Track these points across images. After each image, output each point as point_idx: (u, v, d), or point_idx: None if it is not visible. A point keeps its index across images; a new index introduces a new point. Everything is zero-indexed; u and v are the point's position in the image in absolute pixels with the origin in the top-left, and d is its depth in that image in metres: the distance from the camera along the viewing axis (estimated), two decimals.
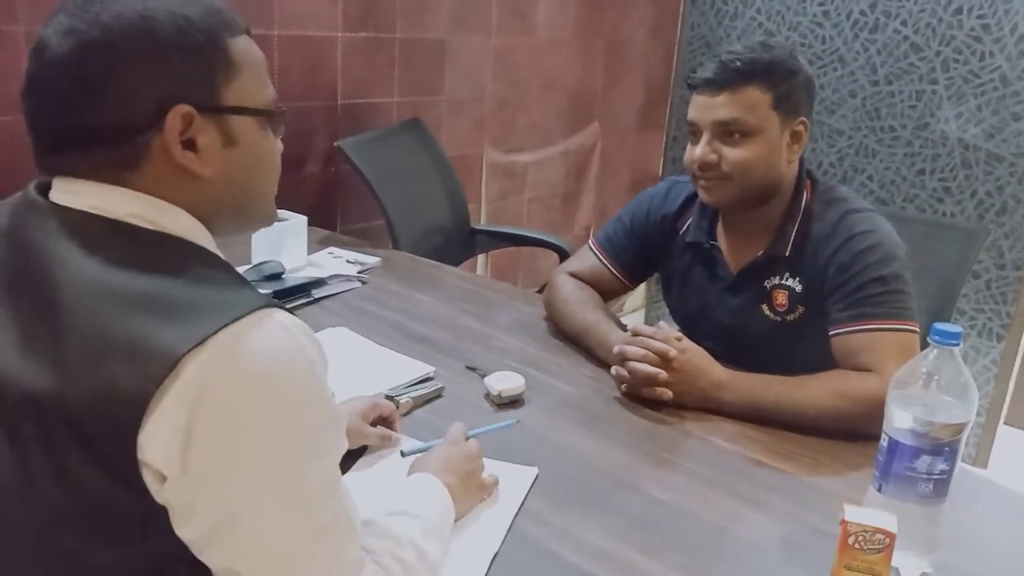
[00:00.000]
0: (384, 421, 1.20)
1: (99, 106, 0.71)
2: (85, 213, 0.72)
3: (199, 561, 0.69)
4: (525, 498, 1.08)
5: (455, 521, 0.98)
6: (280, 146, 0.83)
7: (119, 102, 0.71)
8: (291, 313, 0.72)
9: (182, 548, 0.68)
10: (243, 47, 0.77)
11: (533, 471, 1.13)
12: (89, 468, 0.65)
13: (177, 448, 0.64)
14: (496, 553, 0.96)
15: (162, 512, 0.67)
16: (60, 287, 0.68)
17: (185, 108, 0.72)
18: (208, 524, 0.67)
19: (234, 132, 0.76)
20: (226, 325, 0.65)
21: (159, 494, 0.66)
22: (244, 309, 0.67)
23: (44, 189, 0.76)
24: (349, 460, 1.13)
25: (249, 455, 0.67)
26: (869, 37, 3.00)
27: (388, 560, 0.79)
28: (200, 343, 0.64)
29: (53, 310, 0.67)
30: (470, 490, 1.03)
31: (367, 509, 0.91)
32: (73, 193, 0.73)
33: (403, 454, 1.10)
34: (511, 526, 1.02)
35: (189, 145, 0.73)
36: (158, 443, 0.64)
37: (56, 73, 0.71)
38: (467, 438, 1.11)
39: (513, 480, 1.11)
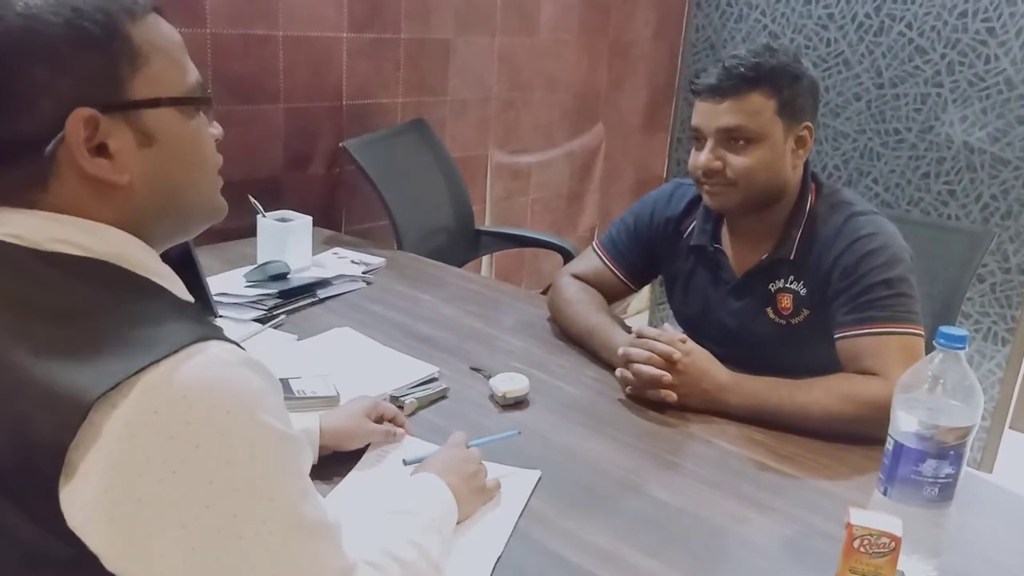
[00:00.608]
0: (388, 423, 1.20)
1: None
2: (3, 243, 0.64)
3: None
4: (528, 501, 1.08)
5: (459, 523, 0.98)
6: (217, 131, 0.75)
7: (14, 114, 0.63)
8: (235, 343, 0.65)
9: None
10: (150, 30, 0.68)
11: (536, 474, 1.13)
12: (21, 519, 0.59)
13: (102, 517, 0.57)
14: (500, 556, 0.96)
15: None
16: None
17: (85, 111, 0.63)
18: None
19: (150, 128, 0.67)
20: (149, 365, 0.58)
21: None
22: (172, 346, 0.60)
23: None
24: (351, 460, 1.13)
25: (198, 503, 0.59)
26: (874, 40, 2.99)
27: (386, 560, 0.78)
28: (115, 387, 0.57)
29: None
30: (472, 492, 1.02)
31: (368, 510, 0.91)
32: None
33: (405, 463, 1.10)
34: (515, 529, 1.02)
35: (100, 151, 0.65)
36: (81, 511, 0.57)
37: None
38: (467, 447, 1.10)
39: (516, 483, 1.11)
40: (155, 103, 0.67)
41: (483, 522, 1.02)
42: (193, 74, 0.72)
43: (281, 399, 0.66)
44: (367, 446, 1.16)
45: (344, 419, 1.14)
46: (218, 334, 0.64)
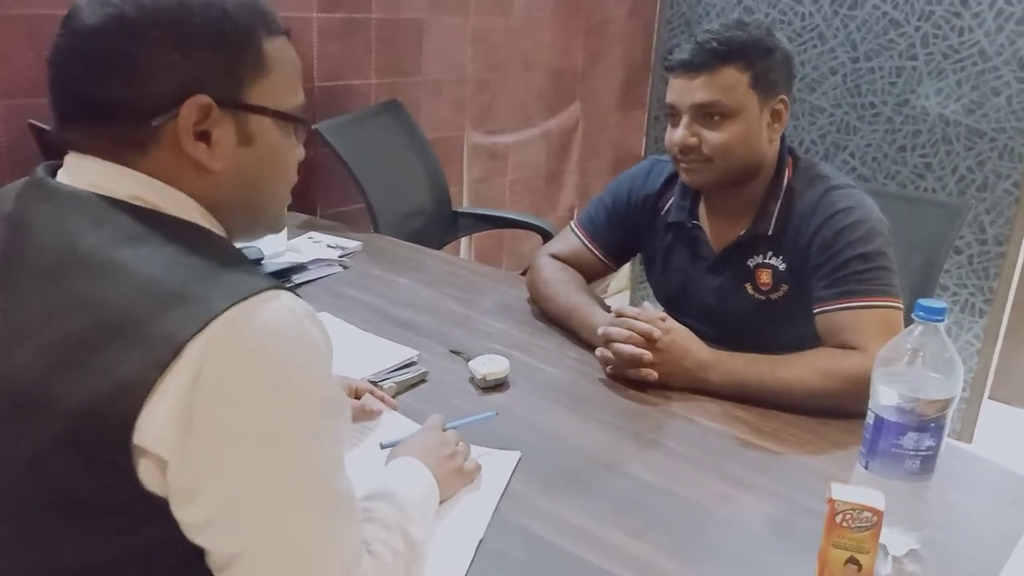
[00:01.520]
0: (368, 398, 1.20)
1: (117, 82, 0.69)
2: (87, 192, 0.70)
3: (187, 549, 0.67)
4: (508, 483, 1.07)
5: (440, 504, 0.98)
6: (302, 153, 0.82)
7: (138, 81, 0.69)
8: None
9: (170, 538, 0.66)
10: (278, 48, 0.76)
11: (515, 455, 1.12)
12: (67, 458, 0.63)
13: (178, 430, 0.62)
14: (481, 539, 0.95)
15: (147, 502, 0.64)
16: (57, 268, 0.66)
17: (204, 99, 0.70)
18: (211, 506, 0.65)
19: (252, 131, 0.75)
20: (230, 306, 0.63)
21: (153, 480, 0.64)
22: (250, 290, 0.65)
23: (53, 170, 0.75)
24: None
25: (251, 436, 0.65)
26: (848, 13, 2.99)
27: (380, 548, 0.78)
28: (204, 326, 0.62)
29: (48, 291, 0.66)
30: (450, 473, 1.02)
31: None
32: (78, 171, 0.72)
33: (382, 446, 1.09)
34: (496, 511, 1.01)
35: (203, 137, 0.72)
36: (157, 425, 0.62)
37: (80, 43, 0.70)
38: (444, 429, 1.10)
39: (495, 465, 1.10)
40: (263, 111, 0.75)
41: (463, 506, 1.01)
42: (300, 97, 0.79)
43: (332, 355, 0.70)
44: None
45: None
46: (286, 287, 0.69)
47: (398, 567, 0.79)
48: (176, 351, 0.62)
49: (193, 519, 0.65)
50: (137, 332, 0.63)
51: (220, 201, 0.75)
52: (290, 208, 1.88)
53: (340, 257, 1.87)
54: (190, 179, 0.73)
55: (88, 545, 0.66)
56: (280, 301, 0.66)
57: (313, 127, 2.23)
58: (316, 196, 2.46)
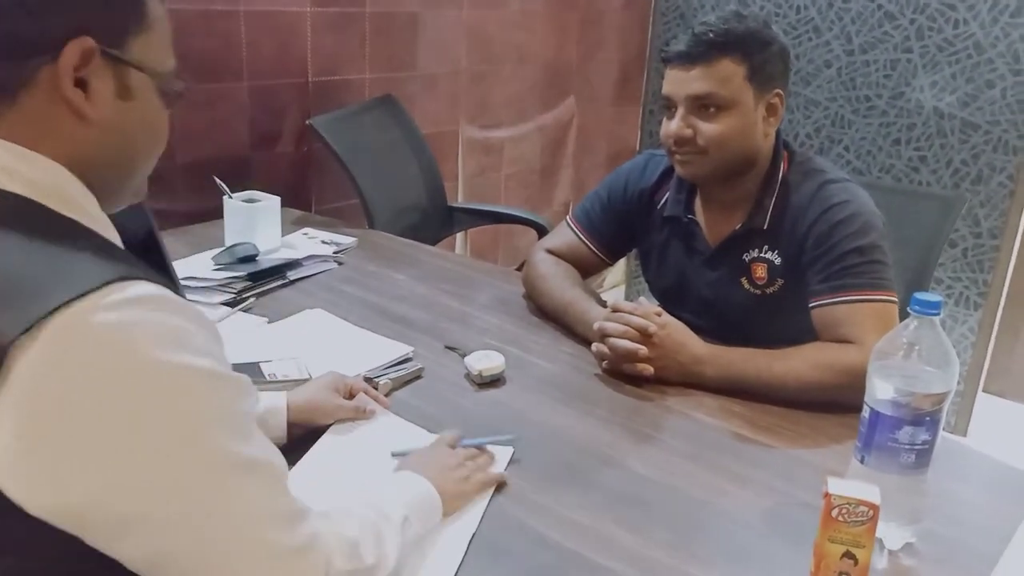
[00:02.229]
0: (362, 396, 1.19)
1: None
2: None
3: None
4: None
5: (445, 515, 0.96)
6: (167, 119, 0.78)
7: (23, 17, 0.65)
8: (161, 284, 0.63)
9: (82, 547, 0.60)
10: (157, 6, 0.74)
11: (508, 450, 1.12)
12: None
13: (19, 463, 0.56)
14: (474, 533, 0.95)
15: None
16: None
17: (89, 42, 0.67)
18: (102, 530, 0.59)
19: (131, 86, 0.71)
20: (63, 305, 0.56)
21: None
22: (89, 284, 0.58)
23: None
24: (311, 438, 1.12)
25: (106, 459, 0.58)
26: (843, 6, 2.98)
27: (343, 516, 0.77)
28: (28, 330, 0.55)
29: None
30: (453, 483, 0.99)
31: (342, 500, 0.89)
32: None
33: (393, 455, 1.07)
34: (491, 505, 1.01)
35: (81, 85, 0.68)
36: None
37: None
38: (454, 447, 1.08)
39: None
40: (142, 68, 0.72)
41: None
42: (174, 63, 0.76)
43: (212, 338, 0.65)
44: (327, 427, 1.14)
45: (311, 393, 1.14)
46: (141, 274, 0.62)
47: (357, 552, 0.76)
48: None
49: (97, 542, 0.60)
50: None
51: (91, 157, 0.70)
52: (284, 204, 1.90)
53: (335, 253, 1.87)
54: (60, 130, 0.68)
55: None
56: (125, 293, 0.59)
57: (307, 122, 2.22)
58: (311, 192, 2.45)
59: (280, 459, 0.69)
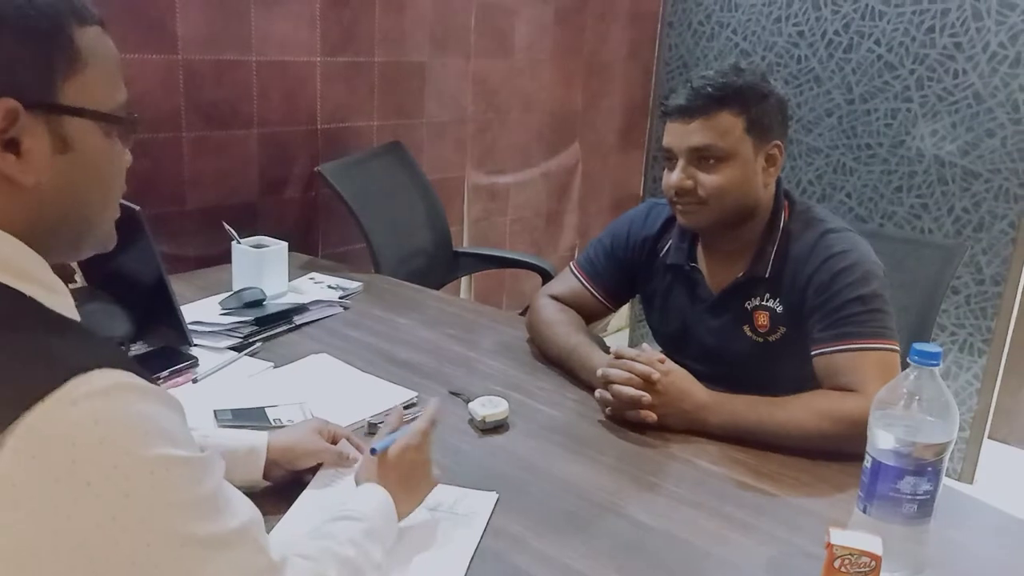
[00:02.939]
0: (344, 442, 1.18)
1: None
2: None
3: None
4: (488, 522, 1.07)
5: (404, 516, 0.98)
6: (129, 158, 0.73)
7: None
8: (120, 361, 0.60)
9: None
10: (92, 39, 0.67)
11: (493, 496, 1.12)
12: None
13: None
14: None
15: None
16: None
17: (9, 102, 0.61)
18: None
19: (69, 136, 0.65)
20: (26, 410, 0.54)
21: None
22: (49, 383, 0.55)
23: None
24: (304, 478, 1.13)
25: (76, 560, 0.56)
26: (844, 56, 3.03)
27: (324, 555, 0.78)
28: None
29: None
30: (413, 484, 1.01)
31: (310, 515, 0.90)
32: None
33: (373, 452, 1.04)
34: (491, 552, 1.01)
35: (11, 147, 0.62)
36: None
37: None
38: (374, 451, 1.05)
39: (474, 506, 1.10)
40: (81, 112, 0.65)
41: (440, 547, 1.01)
42: (123, 93, 0.70)
43: (178, 418, 0.63)
44: (319, 466, 1.14)
45: (295, 436, 1.13)
46: (100, 357, 0.59)
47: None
48: None
49: None
50: None
51: (37, 221, 0.65)
52: (292, 248, 1.92)
53: (341, 298, 1.89)
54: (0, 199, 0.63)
55: None
56: (89, 386, 0.56)
57: (316, 169, 2.26)
58: (317, 237, 2.48)
59: (253, 513, 0.68)
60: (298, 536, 0.82)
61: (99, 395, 0.56)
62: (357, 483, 1.01)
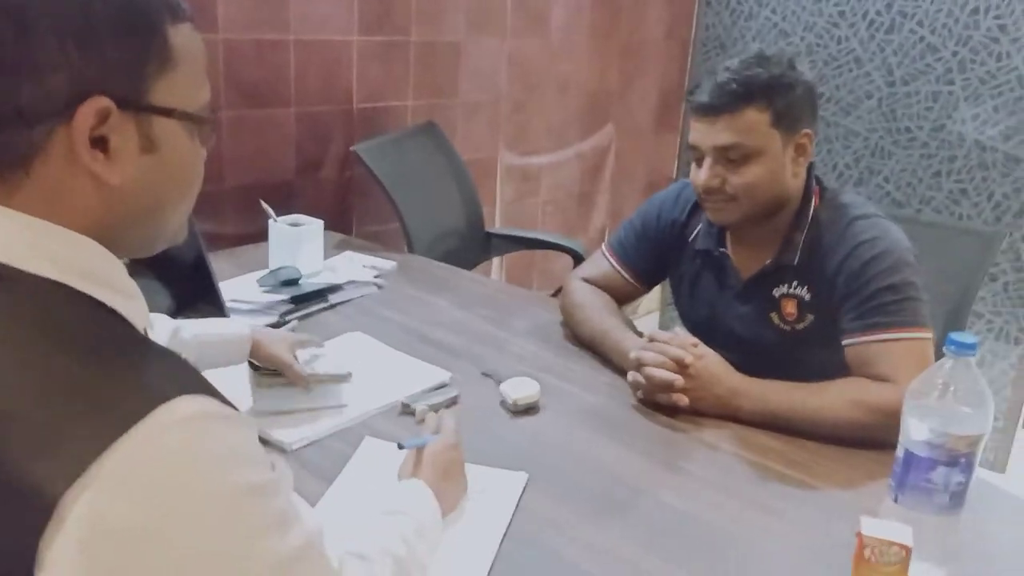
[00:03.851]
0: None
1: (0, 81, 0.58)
2: None
3: None
4: (518, 502, 1.08)
5: (445, 515, 1.00)
6: (204, 155, 0.72)
7: (26, 80, 0.58)
8: (199, 383, 0.59)
9: None
10: (185, 37, 0.65)
11: (523, 476, 1.13)
12: None
13: None
14: (493, 561, 0.97)
15: None
16: None
17: (104, 101, 0.59)
18: None
19: (156, 136, 0.64)
20: (114, 441, 0.53)
21: None
22: (134, 416, 0.54)
23: None
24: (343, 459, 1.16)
25: None
26: (885, 38, 2.98)
27: (379, 555, 0.80)
28: (81, 474, 0.51)
29: None
30: (452, 483, 1.04)
31: (360, 509, 0.94)
32: None
33: (400, 447, 1.08)
34: (524, 534, 1.03)
35: (99, 144, 0.61)
36: None
37: None
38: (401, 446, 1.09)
39: (503, 485, 1.11)
40: (169, 112, 0.64)
41: (470, 528, 1.03)
42: (207, 92, 0.69)
43: (253, 438, 0.63)
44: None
45: (271, 344, 1.28)
46: (182, 384, 0.58)
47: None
48: (49, 509, 0.51)
49: None
50: (7, 488, 0.52)
51: (115, 220, 0.64)
52: (327, 227, 1.94)
53: (375, 277, 1.91)
54: (82, 197, 0.62)
55: None
56: (172, 417, 0.55)
57: (351, 148, 2.28)
58: (352, 216, 2.51)
59: (317, 522, 0.68)
60: (349, 530, 0.84)
61: (183, 424, 0.56)
62: (400, 478, 1.03)
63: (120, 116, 0.61)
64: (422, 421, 1.27)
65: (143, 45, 0.62)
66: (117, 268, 0.65)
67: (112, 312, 0.63)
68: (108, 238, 0.64)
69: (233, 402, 0.62)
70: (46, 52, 0.58)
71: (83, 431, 0.53)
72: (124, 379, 0.57)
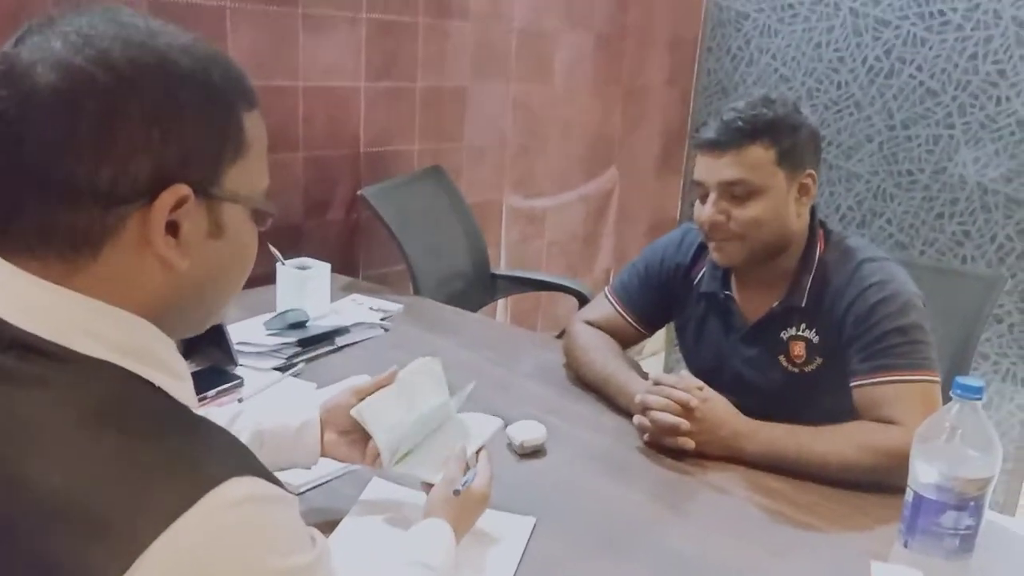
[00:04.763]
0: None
1: (82, 162, 0.57)
2: (10, 330, 0.58)
3: None
4: (526, 547, 1.08)
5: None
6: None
7: (108, 163, 0.57)
8: (245, 465, 0.59)
9: None
10: (255, 124, 0.66)
11: (531, 520, 1.13)
12: None
13: None
14: None
15: None
16: None
17: (184, 189, 0.59)
18: None
19: (224, 222, 0.64)
20: (165, 528, 0.52)
21: None
22: (187, 500, 0.54)
23: None
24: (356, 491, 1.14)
25: None
26: (884, 82, 3.02)
27: None
28: (135, 561, 0.51)
29: None
30: (473, 521, 1.04)
31: (382, 556, 0.94)
32: (6, 290, 0.59)
33: (457, 492, 1.03)
34: (516, 575, 1.02)
35: (170, 229, 0.60)
36: None
37: (33, 109, 0.57)
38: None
39: (511, 530, 1.11)
40: (237, 199, 0.64)
41: (480, 572, 1.02)
42: (267, 178, 0.69)
43: (296, 518, 0.62)
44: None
45: (336, 397, 1.13)
46: (232, 465, 0.58)
47: None
48: None
49: None
50: (46, 572, 0.52)
51: (174, 302, 0.64)
52: (333, 270, 1.96)
53: (381, 320, 1.91)
54: (146, 281, 0.61)
55: None
56: (219, 499, 0.55)
57: (358, 192, 2.30)
58: (358, 258, 2.52)
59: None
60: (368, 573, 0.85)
61: (232, 507, 0.56)
62: (427, 515, 1.00)
63: (194, 202, 0.61)
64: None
65: (222, 133, 0.62)
66: (170, 349, 0.65)
67: (161, 392, 0.62)
68: (163, 319, 0.64)
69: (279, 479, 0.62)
70: (130, 136, 0.57)
71: (136, 517, 0.53)
72: (175, 462, 0.57)
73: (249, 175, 0.65)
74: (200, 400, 1.39)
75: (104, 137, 0.57)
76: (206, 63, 0.62)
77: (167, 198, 0.59)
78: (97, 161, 0.57)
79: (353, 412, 1.07)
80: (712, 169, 1.41)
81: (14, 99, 0.57)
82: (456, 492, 1.01)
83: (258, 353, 1.63)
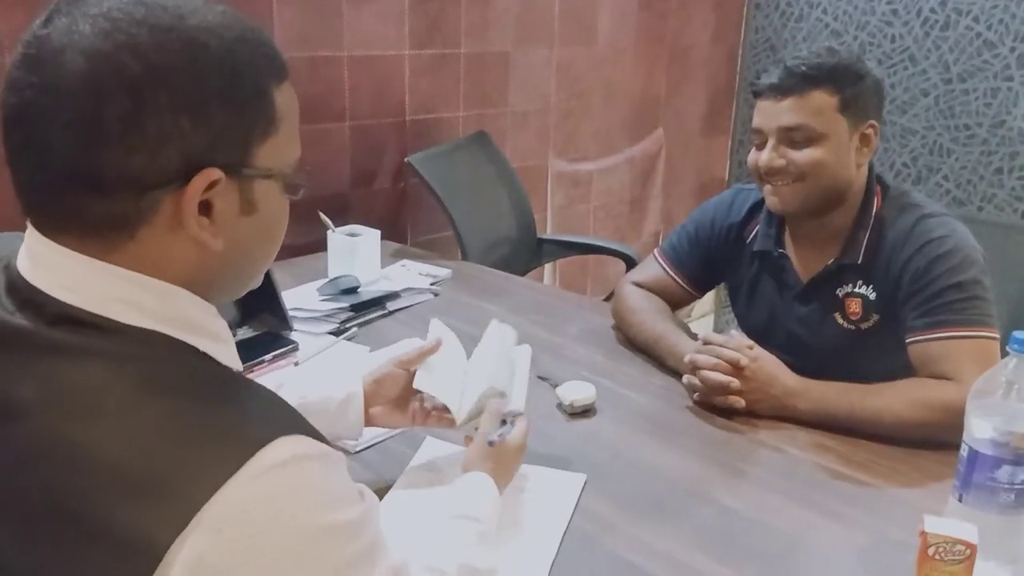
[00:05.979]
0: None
1: (113, 151, 0.58)
2: (55, 304, 0.60)
3: None
4: (577, 503, 1.09)
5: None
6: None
7: (138, 151, 0.58)
8: (289, 421, 0.62)
9: None
10: (287, 98, 0.66)
11: (581, 477, 1.15)
12: None
13: None
14: (553, 561, 0.98)
15: None
16: (15, 431, 0.58)
17: (215, 173, 0.60)
18: None
19: (255, 198, 0.65)
20: (217, 489, 0.54)
21: None
22: (237, 460, 0.56)
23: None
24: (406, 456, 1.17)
25: None
26: (940, 35, 2.93)
27: (450, 567, 0.83)
28: (189, 522, 0.53)
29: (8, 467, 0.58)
30: (513, 472, 1.06)
31: (428, 511, 0.97)
32: (49, 267, 0.61)
33: (491, 443, 1.05)
34: (582, 534, 1.04)
35: (203, 209, 0.61)
36: None
37: (62, 99, 0.57)
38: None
39: (562, 486, 1.13)
40: (270, 174, 0.65)
41: (531, 530, 1.04)
42: (299, 149, 0.69)
43: (343, 474, 0.64)
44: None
45: (380, 370, 1.13)
46: (278, 425, 0.60)
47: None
48: (158, 558, 0.53)
49: None
50: (110, 538, 0.54)
51: (210, 275, 0.65)
52: (382, 237, 1.98)
53: (431, 285, 1.94)
54: (183, 259, 0.63)
55: None
56: (265, 460, 0.56)
57: (405, 160, 2.32)
58: (407, 225, 2.55)
59: (400, 553, 0.69)
60: (421, 537, 0.88)
61: (278, 468, 0.57)
62: (466, 469, 1.02)
63: (226, 183, 0.62)
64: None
65: (253, 113, 0.62)
66: (211, 314, 0.67)
67: (207, 356, 0.64)
68: (200, 289, 0.65)
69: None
70: (160, 127, 0.58)
71: (188, 480, 0.55)
72: (224, 424, 0.58)
73: (280, 149, 0.65)
74: (257, 364, 1.45)
75: (133, 128, 0.57)
76: (234, 44, 0.61)
77: (199, 183, 0.60)
78: (127, 151, 0.57)
79: (416, 384, 1.10)
80: (772, 114, 1.39)
81: (43, 86, 0.57)
82: (491, 443, 1.03)
83: (312, 318, 1.66)
